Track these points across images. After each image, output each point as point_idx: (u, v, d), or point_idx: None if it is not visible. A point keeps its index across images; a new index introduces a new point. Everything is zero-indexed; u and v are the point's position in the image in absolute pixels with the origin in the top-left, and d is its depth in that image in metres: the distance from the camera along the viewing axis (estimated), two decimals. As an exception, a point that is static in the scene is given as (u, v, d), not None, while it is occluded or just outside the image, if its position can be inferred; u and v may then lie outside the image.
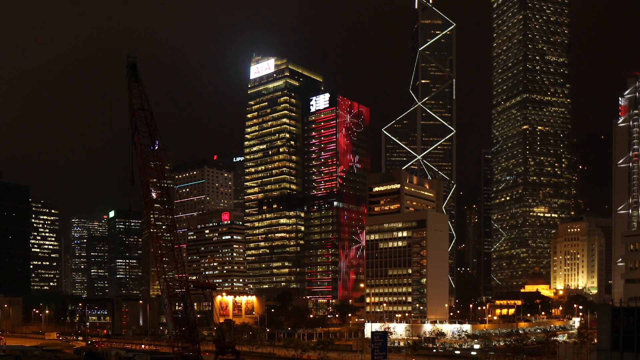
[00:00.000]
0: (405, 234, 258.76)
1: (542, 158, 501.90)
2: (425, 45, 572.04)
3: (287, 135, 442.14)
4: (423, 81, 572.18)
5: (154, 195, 72.78)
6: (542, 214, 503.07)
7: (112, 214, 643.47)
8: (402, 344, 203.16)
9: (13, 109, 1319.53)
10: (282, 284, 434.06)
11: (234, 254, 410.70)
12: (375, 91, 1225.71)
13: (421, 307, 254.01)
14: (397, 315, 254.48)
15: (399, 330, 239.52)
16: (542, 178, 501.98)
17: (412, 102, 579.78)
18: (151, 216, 73.67)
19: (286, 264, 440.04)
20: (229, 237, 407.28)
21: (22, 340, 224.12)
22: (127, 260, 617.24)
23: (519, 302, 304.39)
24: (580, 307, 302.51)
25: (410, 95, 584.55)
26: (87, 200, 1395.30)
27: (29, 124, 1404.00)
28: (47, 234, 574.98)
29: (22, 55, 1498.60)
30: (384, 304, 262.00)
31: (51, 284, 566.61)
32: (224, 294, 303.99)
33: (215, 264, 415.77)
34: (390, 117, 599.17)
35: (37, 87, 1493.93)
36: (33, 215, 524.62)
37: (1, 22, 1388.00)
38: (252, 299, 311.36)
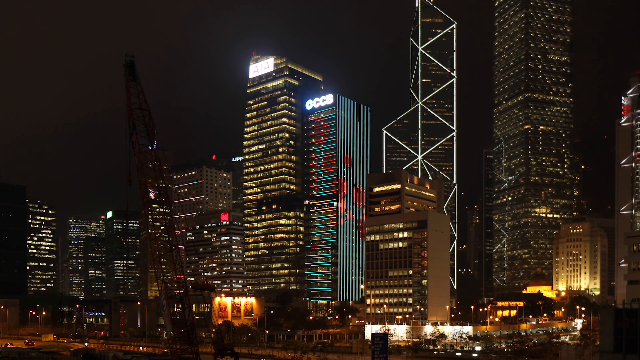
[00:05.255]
0: (405, 234, 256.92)
1: (544, 158, 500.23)
2: (426, 44, 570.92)
3: (287, 135, 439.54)
4: (424, 80, 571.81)
5: (152, 195, 71.61)
6: (544, 215, 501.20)
7: (109, 214, 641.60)
8: (402, 345, 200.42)
9: (11, 108, 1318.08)
10: (282, 285, 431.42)
11: (233, 255, 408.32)
12: (376, 90, 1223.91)
13: (422, 309, 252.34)
14: (397, 317, 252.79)
15: (399, 331, 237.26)
16: (544, 178, 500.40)
17: (413, 101, 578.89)
18: (149, 217, 72.33)
19: (285, 264, 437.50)
20: (228, 237, 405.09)
21: (19, 343, 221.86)
22: (125, 262, 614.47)
23: (520, 304, 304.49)
24: (583, 308, 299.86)
25: (410, 95, 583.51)
26: (85, 201, 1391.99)
27: (26, 124, 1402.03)
28: (44, 235, 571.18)
29: (21, 55, 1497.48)
30: (385, 306, 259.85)
31: (48, 285, 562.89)
32: (222, 295, 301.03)
33: (214, 265, 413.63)
34: (390, 117, 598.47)
35: (36, 87, 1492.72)
36: (30, 216, 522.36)
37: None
38: (251, 300, 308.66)
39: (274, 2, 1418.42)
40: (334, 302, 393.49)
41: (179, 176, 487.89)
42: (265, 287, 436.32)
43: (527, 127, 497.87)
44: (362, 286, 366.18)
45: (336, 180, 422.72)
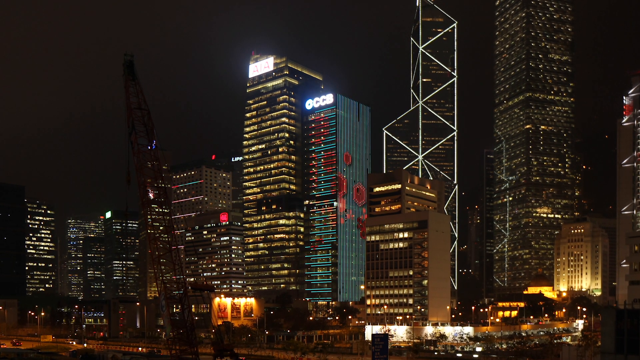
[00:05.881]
0: (406, 234, 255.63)
1: (545, 158, 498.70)
2: (427, 44, 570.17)
3: (287, 135, 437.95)
4: (424, 80, 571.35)
5: (151, 195, 70.79)
6: (545, 215, 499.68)
7: (108, 214, 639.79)
8: (403, 346, 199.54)
9: (10, 107, 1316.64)
10: (282, 285, 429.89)
11: (233, 255, 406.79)
12: (376, 90, 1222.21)
13: (422, 309, 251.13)
14: (398, 318, 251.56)
15: (399, 332, 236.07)
16: (545, 178, 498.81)
17: (413, 101, 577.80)
18: (148, 217, 71.58)
19: (285, 265, 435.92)
20: (228, 238, 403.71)
21: (9, 343, 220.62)
22: (124, 262, 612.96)
23: (521, 304, 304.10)
24: (584, 309, 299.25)
25: (411, 94, 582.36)
26: (84, 201, 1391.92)
27: (25, 124, 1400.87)
28: (42, 235, 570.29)
29: (20, 54, 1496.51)
30: (385, 306, 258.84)
31: (47, 285, 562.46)
32: (222, 295, 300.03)
33: (213, 265, 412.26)
34: (391, 117, 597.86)
35: (34, 87, 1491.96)
36: (28, 216, 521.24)
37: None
38: (251, 301, 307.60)
39: (274, 1, 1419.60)
40: (334, 302, 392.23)
41: (178, 176, 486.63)
42: (265, 288, 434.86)
43: (528, 126, 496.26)
44: (362, 287, 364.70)
45: (336, 178, 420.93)
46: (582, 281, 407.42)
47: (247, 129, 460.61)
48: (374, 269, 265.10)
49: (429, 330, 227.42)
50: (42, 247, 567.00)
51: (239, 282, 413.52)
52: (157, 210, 71.17)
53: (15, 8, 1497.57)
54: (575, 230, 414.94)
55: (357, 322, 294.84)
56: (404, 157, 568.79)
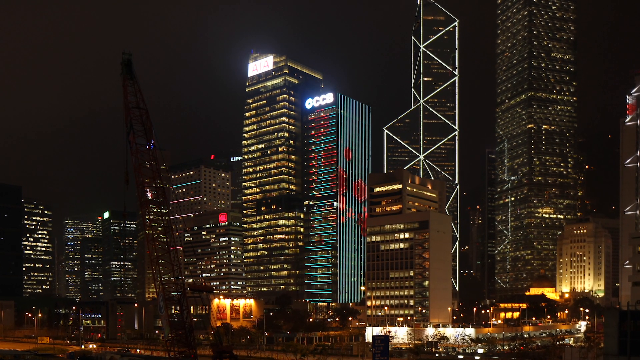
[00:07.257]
0: (407, 235, 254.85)
1: (547, 157, 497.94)
2: (428, 42, 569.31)
3: (286, 135, 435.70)
4: (425, 79, 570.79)
5: (149, 195, 71.20)
6: (547, 215, 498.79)
7: (106, 215, 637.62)
8: (404, 348, 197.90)
9: (7, 108, 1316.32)
10: (281, 286, 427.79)
11: (232, 256, 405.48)
12: (377, 89, 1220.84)
13: (423, 311, 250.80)
14: (398, 319, 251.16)
15: (400, 334, 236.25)
16: (547, 178, 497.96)
17: (414, 100, 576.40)
18: (147, 217, 71.74)
19: (285, 266, 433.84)
20: (227, 238, 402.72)
21: (14, 345, 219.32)
22: (122, 263, 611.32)
23: (523, 306, 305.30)
24: (587, 310, 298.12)
25: (412, 93, 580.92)
26: (81, 201, 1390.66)
27: (23, 125, 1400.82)
28: (39, 236, 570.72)
29: (18, 55, 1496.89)
30: (385, 307, 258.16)
31: (44, 286, 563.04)
32: (221, 297, 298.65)
33: (212, 266, 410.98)
34: (391, 116, 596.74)
35: (32, 88, 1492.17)
36: (25, 217, 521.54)
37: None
38: (250, 302, 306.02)
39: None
40: (334, 303, 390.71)
41: (177, 176, 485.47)
42: (265, 289, 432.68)
43: (530, 126, 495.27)
44: (362, 287, 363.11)
45: (336, 174, 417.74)
46: (585, 282, 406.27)
47: (247, 129, 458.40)
48: (375, 269, 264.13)
49: (430, 331, 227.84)
50: (39, 248, 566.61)
51: (238, 283, 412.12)
52: (155, 210, 71.36)
53: (14, 8, 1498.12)
54: (578, 231, 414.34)
55: (357, 323, 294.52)
56: (404, 156, 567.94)
